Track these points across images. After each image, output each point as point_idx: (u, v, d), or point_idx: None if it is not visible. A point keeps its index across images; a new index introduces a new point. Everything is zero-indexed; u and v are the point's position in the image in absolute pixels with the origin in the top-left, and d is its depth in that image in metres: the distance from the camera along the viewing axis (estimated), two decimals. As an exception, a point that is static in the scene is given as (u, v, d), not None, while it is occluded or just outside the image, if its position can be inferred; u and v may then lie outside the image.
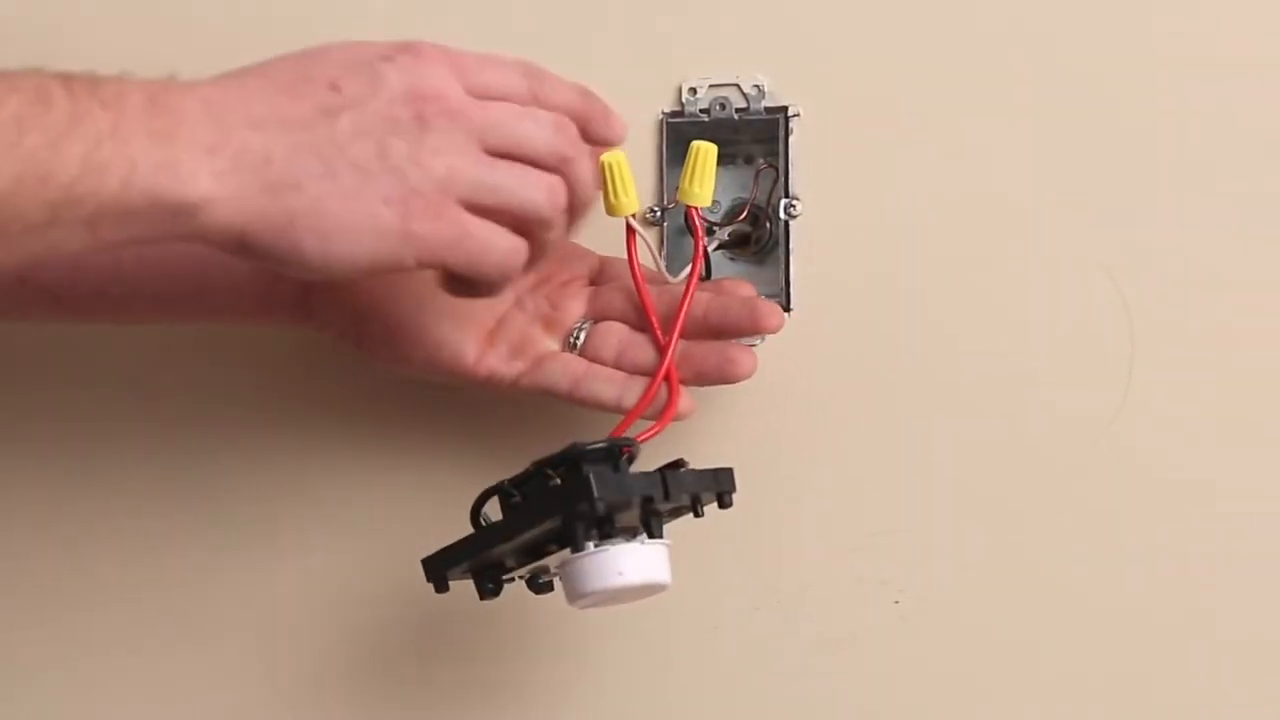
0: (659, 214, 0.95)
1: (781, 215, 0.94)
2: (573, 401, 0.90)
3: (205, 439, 0.99)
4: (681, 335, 0.89)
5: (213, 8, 1.00)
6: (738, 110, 0.95)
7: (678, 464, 0.86)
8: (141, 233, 0.74)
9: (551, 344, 0.91)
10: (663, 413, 0.87)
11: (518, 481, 0.84)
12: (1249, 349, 0.91)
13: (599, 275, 0.93)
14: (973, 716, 0.93)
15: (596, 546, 0.82)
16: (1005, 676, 0.92)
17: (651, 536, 0.83)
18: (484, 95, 0.80)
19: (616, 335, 0.91)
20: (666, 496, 0.83)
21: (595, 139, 0.85)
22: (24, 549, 1.00)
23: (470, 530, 0.85)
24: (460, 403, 0.95)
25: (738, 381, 0.89)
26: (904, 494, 0.93)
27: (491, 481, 0.85)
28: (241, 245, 0.76)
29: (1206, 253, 0.91)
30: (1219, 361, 0.91)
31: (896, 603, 0.93)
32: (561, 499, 0.82)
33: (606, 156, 0.87)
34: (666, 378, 0.88)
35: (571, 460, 0.82)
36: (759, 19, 0.95)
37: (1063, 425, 0.92)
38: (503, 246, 0.80)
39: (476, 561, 0.84)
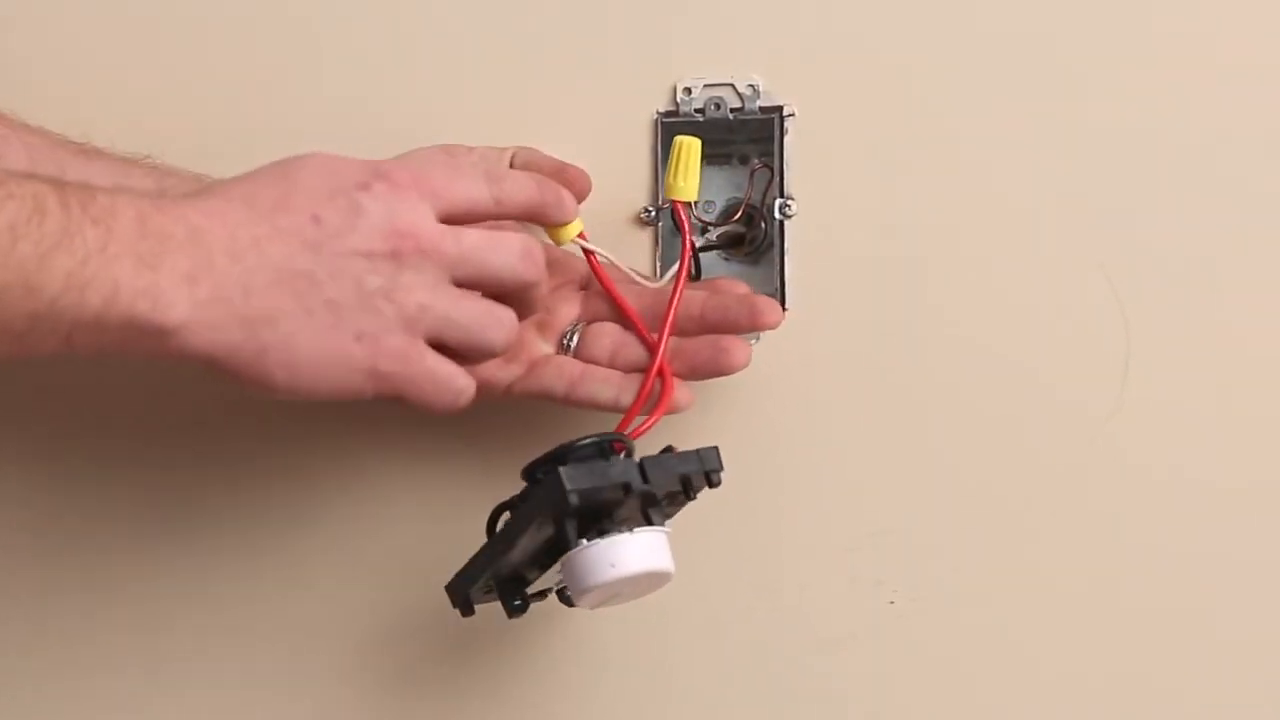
0: (653, 214, 0.95)
1: (776, 215, 0.94)
2: (570, 404, 0.90)
3: (202, 447, 0.99)
4: (675, 332, 0.89)
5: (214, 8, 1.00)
6: (732, 110, 0.95)
7: (666, 451, 0.85)
8: (114, 348, 0.77)
9: (545, 347, 0.91)
10: (656, 406, 0.87)
11: (522, 495, 0.85)
12: (1244, 347, 0.91)
13: (589, 280, 0.93)
14: (968, 716, 0.93)
15: (589, 542, 0.82)
16: (1001, 676, 0.92)
17: (649, 523, 0.83)
18: (454, 217, 0.83)
19: (609, 335, 0.91)
20: (645, 480, 0.82)
21: (552, 223, 0.89)
22: (24, 559, 1.00)
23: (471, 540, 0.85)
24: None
25: (732, 372, 0.89)
26: (900, 494, 0.93)
27: (489, 485, 0.85)
28: (212, 367, 0.79)
29: (1202, 252, 0.91)
30: (1214, 360, 0.91)
31: (892, 603, 0.93)
32: (535, 499, 0.82)
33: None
34: (660, 372, 0.88)
35: (557, 459, 0.83)
36: (754, 19, 0.94)
37: (1059, 424, 0.92)
38: (458, 386, 0.83)
39: (496, 577, 0.84)
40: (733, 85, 0.95)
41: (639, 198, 0.95)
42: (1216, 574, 0.91)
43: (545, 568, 0.86)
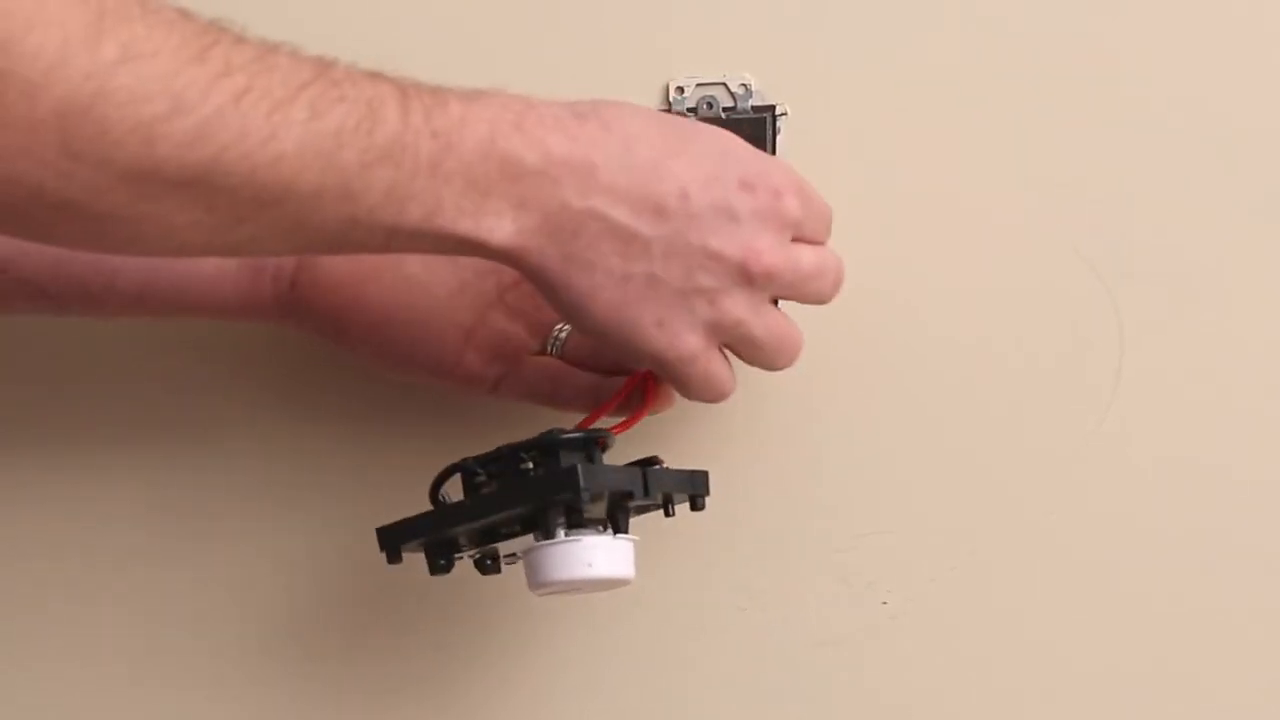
0: (646, 214, 0.95)
1: (769, 215, 0.94)
2: (553, 406, 0.90)
3: (182, 430, 0.98)
4: None
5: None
6: (725, 109, 0.94)
7: (652, 460, 0.86)
8: (430, 251, 0.77)
9: (533, 344, 0.91)
10: (640, 406, 0.87)
11: (484, 461, 0.84)
12: (1238, 347, 0.92)
13: None
14: (962, 717, 0.93)
15: (567, 535, 0.82)
16: (994, 677, 0.93)
17: (618, 531, 0.83)
18: (803, 239, 0.82)
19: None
20: (646, 493, 0.83)
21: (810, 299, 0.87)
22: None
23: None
24: (446, 400, 0.94)
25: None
26: (893, 495, 0.93)
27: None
28: (516, 270, 0.79)
29: (1196, 252, 0.92)
30: (1208, 360, 0.92)
31: (884, 604, 0.93)
32: (542, 486, 0.82)
33: None
34: (645, 376, 0.88)
35: (548, 447, 0.83)
36: (746, 18, 0.94)
37: (1052, 424, 0.92)
38: (725, 391, 0.83)
39: (439, 537, 0.84)
40: (725, 84, 0.94)
41: (631, 197, 0.94)
42: (1213, 574, 0.91)
43: (486, 541, 0.85)
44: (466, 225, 0.76)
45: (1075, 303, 0.92)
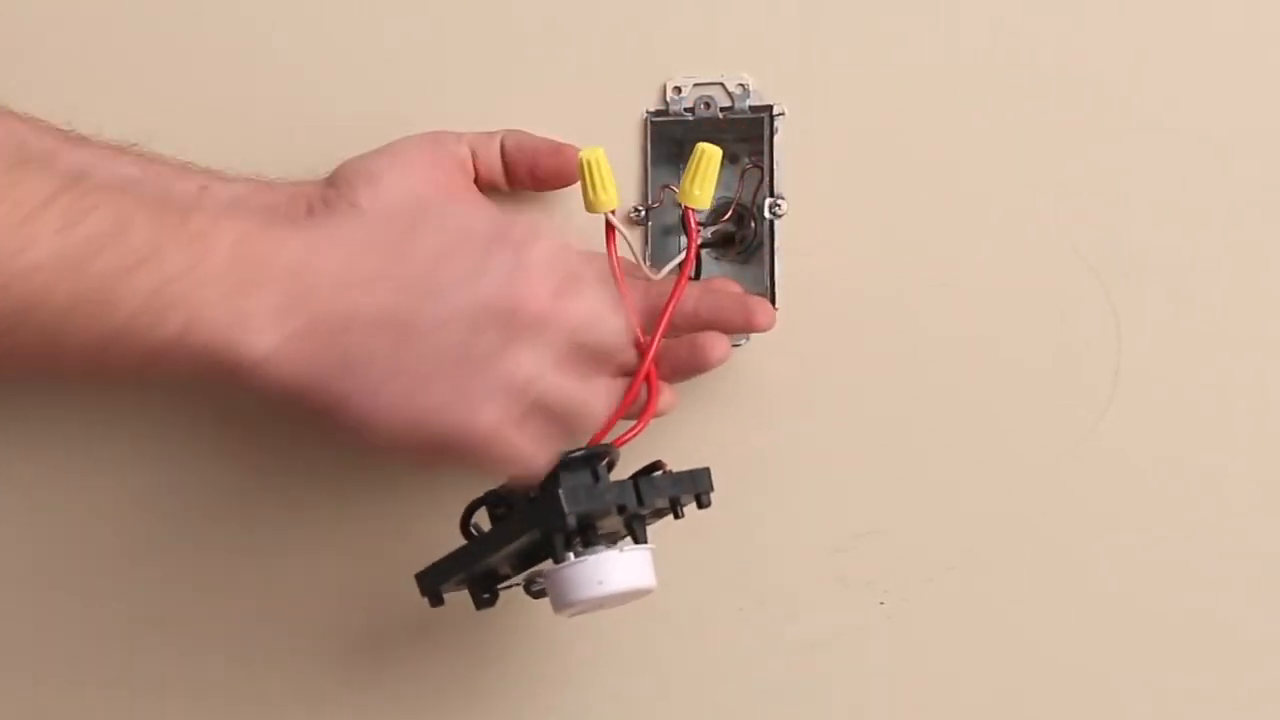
0: (643, 214, 0.95)
1: (766, 214, 0.94)
2: None
3: (196, 445, 0.98)
4: (668, 332, 0.88)
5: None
6: (722, 109, 0.94)
7: (656, 465, 0.86)
8: (191, 375, 0.74)
9: None
10: (642, 413, 0.87)
11: (503, 493, 0.85)
12: (1235, 346, 0.91)
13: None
14: (958, 716, 0.93)
15: (577, 556, 0.82)
16: (991, 677, 0.93)
17: (636, 541, 0.84)
18: (571, 289, 0.78)
19: None
20: (640, 503, 0.83)
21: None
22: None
23: (459, 540, 0.85)
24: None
25: (710, 368, 0.88)
26: (889, 495, 0.93)
27: (479, 482, 0.85)
28: (293, 401, 0.75)
29: (1193, 251, 0.91)
30: (1205, 360, 0.91)
31: (881, 604, 0.93)
32: (532, 516, 0.82)
33: (585, 153, 0.87)
34: (646, 377, 0.87)
35: (552, 474, 0.82)
36: (744, 18, 0.94)
37: (1048, 424, 0.92)
38: (532, 468, 0.80)
39: (469, 572, 0.84)
40: (722, 84, 0.94)
41: (629, 197, 0.94)
42: (1209, 575, 0.91)
43: (521, 568, 0.86)
44: (228, 335, 0.73)
45: (1073, 302, 0.92)
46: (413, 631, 0.96)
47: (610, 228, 0.88)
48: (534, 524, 0.82)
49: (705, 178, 0.87)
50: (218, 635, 0.98)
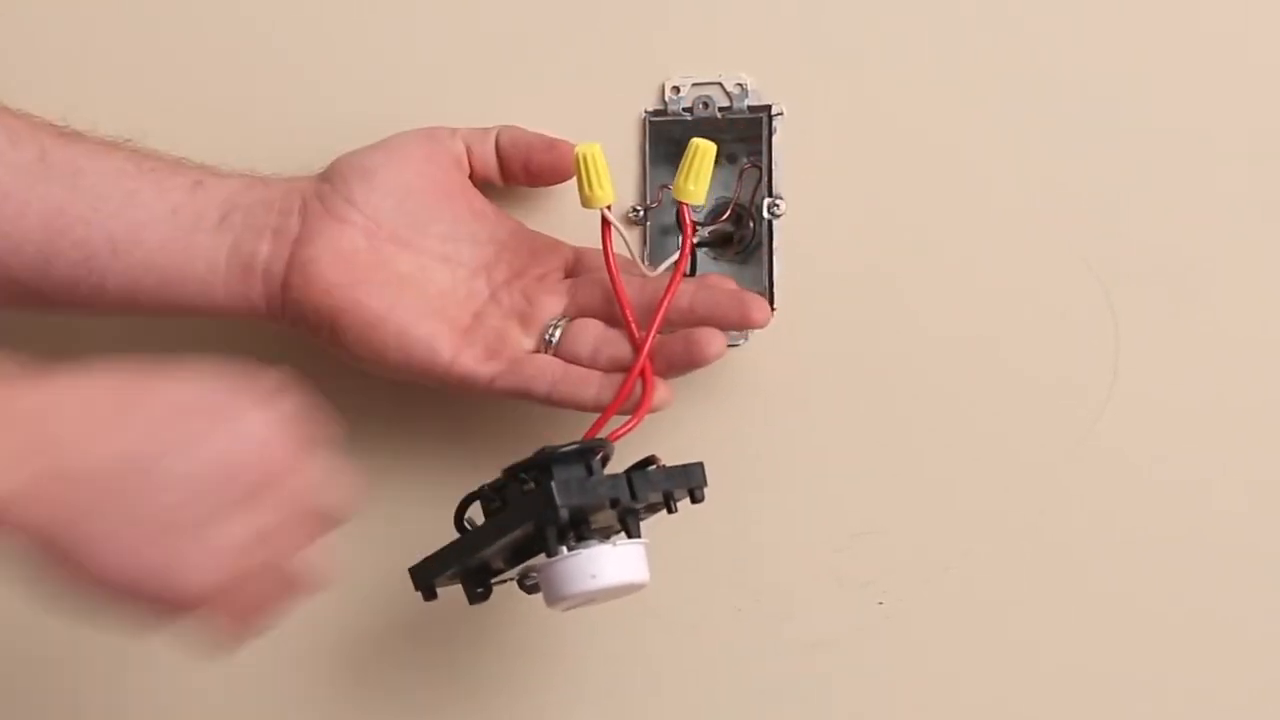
0: (641, 214, 0.95)
1: (765, 214, 0.94)
2: (550, 404, 0.89)
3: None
4: (662, 329, 0.88)
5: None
6: (721, 109, 0.94)
7: (650, 461, 0.86)
8: None
9: (527, 342, 0.91)
10: (637, 408, 0.87)
11: (497, 487, 0.85)
12: (1234, 348, 0.91)
13: (574, 267, 0.93)
14: (956, 717, 0.93)
15: (570, 550, 0.82)
16: (988, 678, 0.92)
17: (629, 535, 0.84)
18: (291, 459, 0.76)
19: (592, 332, 0.90)
20: (634, 497, 0.83)
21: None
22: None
23: (452, 532, 0.85)
24: (442, 399, 0.94)
25: (707, 363, 0.88)
26: (887, 495, 0.93)
27: (474, 477, 0.85)
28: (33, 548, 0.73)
29: (1192, 253, 0.91)
30: (1204, 360, 0.91)
31: (880, 604, 0.93)
32: (524, 509, 0.82)
33: (580, 148, 0.87)
34: (641, 374, 0.88)
35: (542, 465, 0.83)
36: (742, 17, 0.94)
37: (1046, 424, 0.92)
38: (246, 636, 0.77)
39: (463, 566, 0.84)
40: (721, 84, 0.94)
41: (627, 196, 0.94)
42: (1207, 575, 0.91)
43: (515, 562, 0.86)
44: None
45: (1071, 302, 0.91)
46: (403, 627, 0.96)
47: (606, 223, 0.88)
48: (527, 517, 0.82)
49: (700, 173, 0.87)
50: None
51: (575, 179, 0.87)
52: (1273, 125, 0.91)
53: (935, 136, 0.93)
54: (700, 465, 0.86)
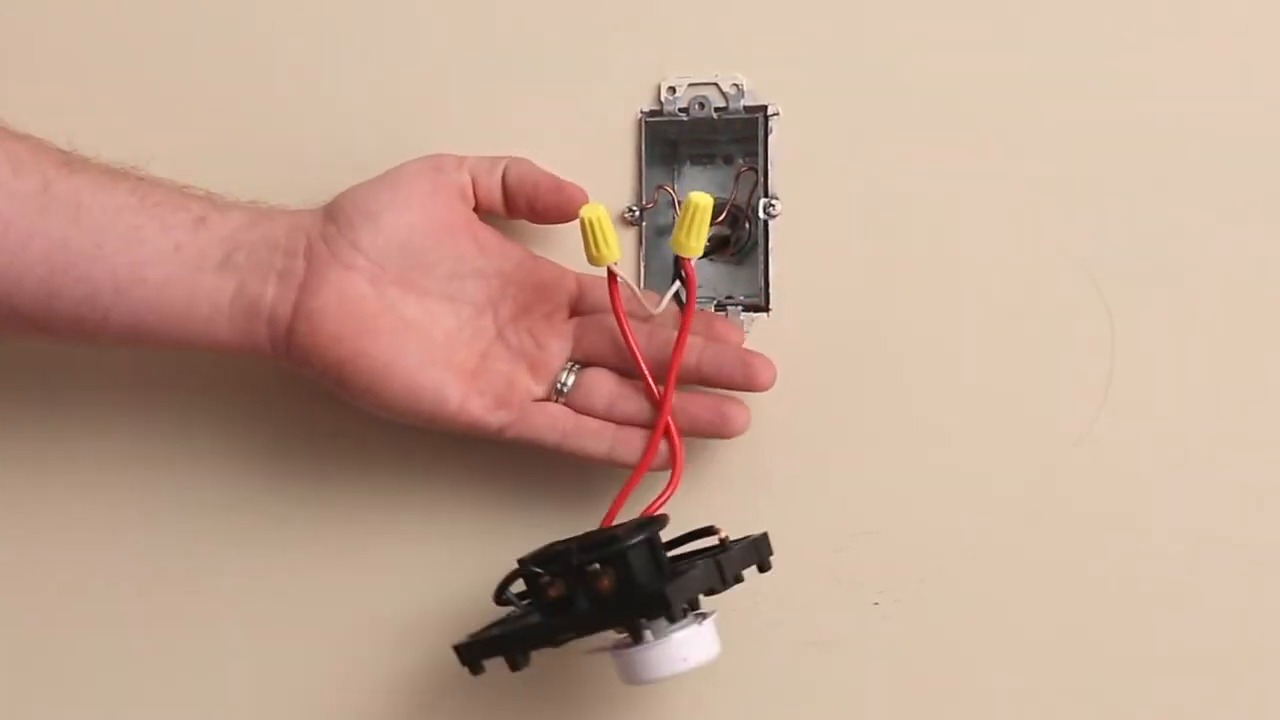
0: (637, 214, 0.95)
1: (761, 215, 0.94)
2: (560, 454, 0.90)
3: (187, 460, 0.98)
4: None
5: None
6: (717, 109, 0.94)
7: (710, 530, 0.87)
8: None
9: (537, 389, 0.91)
10: (671, 473, 0.88)
11: (543, 561, 0.84)
12: (1231, 351, 0.91)
13: (579, 300, 0.92)
14: (952, 717, 0.93)
15: (658, 638, 0.83)
16: (984, 677, 0.92)
17: (693, 607, 0.85)
18: None
19: (606, 385, 0.90)
20: (725, 584, 0.84)
21: None
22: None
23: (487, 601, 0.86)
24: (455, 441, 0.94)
25: (732, 437, 0.90)
26: (884, 496, 0.93)
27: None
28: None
29: (1188, 254, 0.91)
30: (1200, 364, 0.91)
31: (876, 604, 0.93)
32: (631, 607, 0.82)
33: (586, 212, 0.86)
34: (666, 432, 0.89)
35: (617, 556, 0.82)
36: (738, 18, 0.94)
37: (1043, 426, 0.92)
38: None
39: (524, 650, 0.84)
40: (717, 84, 0.94)
41: (623, 197, 0.94)
42: (1205, 576, 0.91)
43: (570, 636, 0.85)
44: None
45: (1067, 304, 0.92)
46: (413, 630, 0.96)
47: (613, 278, 0.88)
48: (632, 616, 0.82)
49: (698, 228, 0.86)
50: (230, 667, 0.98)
51: (582, 238, 0.87)
52: (1270, 125, 0.91)
53: (931, 137, 0.93)
54: (765, 536, 0.87)
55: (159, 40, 0.98)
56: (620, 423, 0.90)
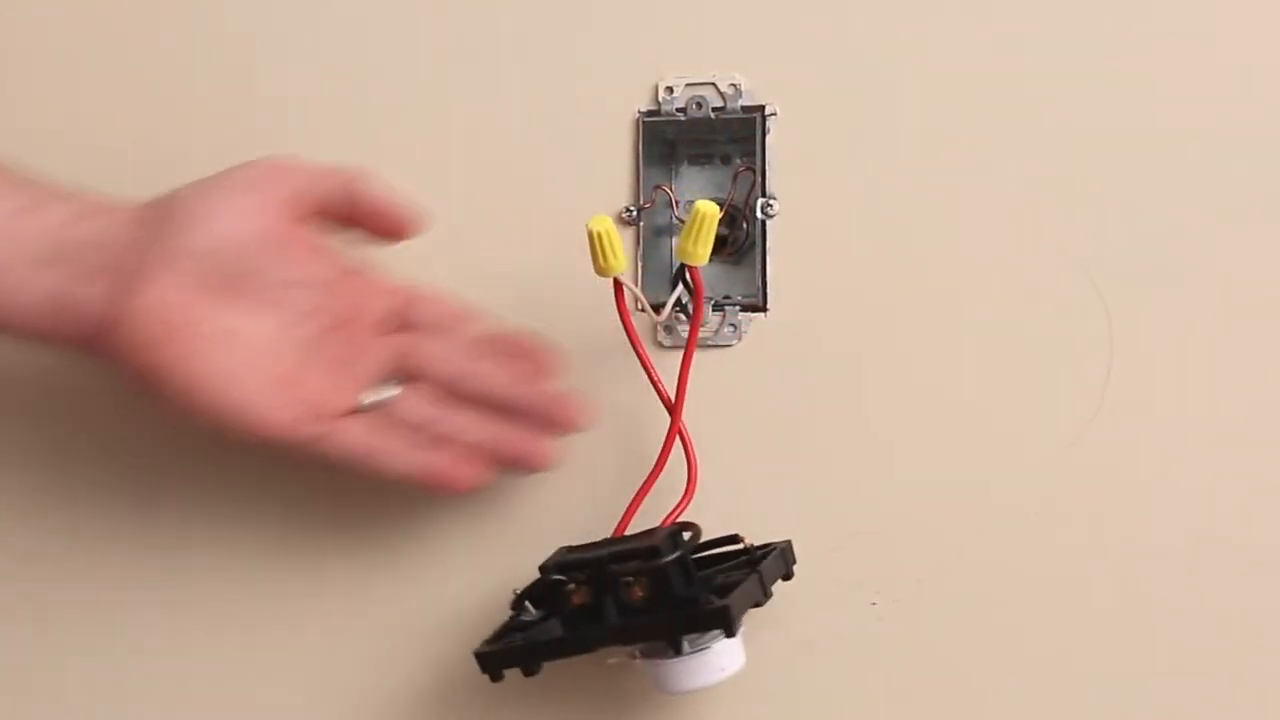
0: (635, 214, 0.95)
1: (758, 215, 0.94)
2: (365, 470, 0.89)
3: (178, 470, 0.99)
4: (509, 403, 0.89)
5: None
6: (714, 109, 0.94)
7: (734, 538, 0.88)
8: None
9: (350, 402, 0.89)
10: (688, 481, 0.89)
11: (566, 569, 0.85)
12: (1229, 351, 0.91)
13: (409, 315, 0.91)
14: (948, 717, 0.93)
15: (693, 649, 0.85)
16: (981, 678, 0.92)
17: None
18: None
19: (425, 403, 0.90)
20: (766, 596, 0.86)
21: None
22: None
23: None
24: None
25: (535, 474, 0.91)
26: (882, 495, 0.92)
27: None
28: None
29: (1187, 253, 0.91)
30: (1198, 361, 0.91)
31: (872, 604, 0.93)
32: (691, 621, 0.84)
33: (593, 225, 0.86)
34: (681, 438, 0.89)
35: (658, 571, 0.84)
36: (735, 18, 0.94)
37: (1040, 426, 0.92)
38: None
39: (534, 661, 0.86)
40: (714, 84, 0.94)
41: (620, 197, 0.94)
42: (1203, 577, 0.90)
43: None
44: None
45: (1065, 303, 0.91)
46: (398, 627, 0.96)
47: (619, 288, 0.88)
48: (690, 630, 0.84)
49: (704, 237, 0.86)
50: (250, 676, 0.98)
51: (589, 250, 0.87)
52: (1270, 125, 0.91)
53: (929, 136, 0.93)
54: (789, 544, 0.89)
55: (141, 51, 0.99)
56: (433, 438, 0.88)
